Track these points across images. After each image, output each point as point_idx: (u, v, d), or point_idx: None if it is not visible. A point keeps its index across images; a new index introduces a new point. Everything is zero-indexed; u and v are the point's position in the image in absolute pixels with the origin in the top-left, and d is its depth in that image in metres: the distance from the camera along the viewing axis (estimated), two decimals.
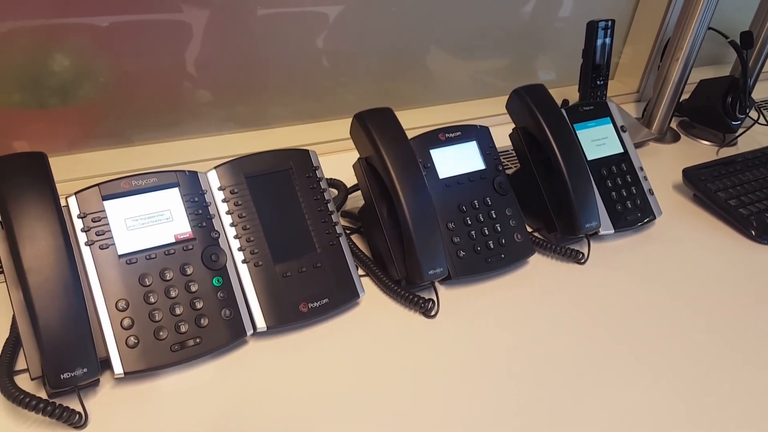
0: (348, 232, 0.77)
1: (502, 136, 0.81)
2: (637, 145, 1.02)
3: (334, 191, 0.83)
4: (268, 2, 0.88)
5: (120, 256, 0.57)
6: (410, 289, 0.68)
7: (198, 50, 0.87)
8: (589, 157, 0.83)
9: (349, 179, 0.81)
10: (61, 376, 0.50)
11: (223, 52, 0.89)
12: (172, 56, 0.86)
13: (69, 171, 0.80)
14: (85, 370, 0.51)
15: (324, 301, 0.64)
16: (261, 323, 0.61)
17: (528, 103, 0.77)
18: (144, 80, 0.86)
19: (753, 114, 1.15)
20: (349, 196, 0.82)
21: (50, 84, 0.80)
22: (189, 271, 0.59)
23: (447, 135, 0.75)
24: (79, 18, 0.77)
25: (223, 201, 0.64)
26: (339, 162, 0.80)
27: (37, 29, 0.76)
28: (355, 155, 0.71)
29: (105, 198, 0.58)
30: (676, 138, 1.15)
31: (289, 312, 0.62)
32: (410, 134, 0.70)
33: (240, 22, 0.88)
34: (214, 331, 0.58)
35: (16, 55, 0.76)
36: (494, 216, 0.74)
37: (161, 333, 0.56)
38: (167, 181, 0.61)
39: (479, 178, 0.75)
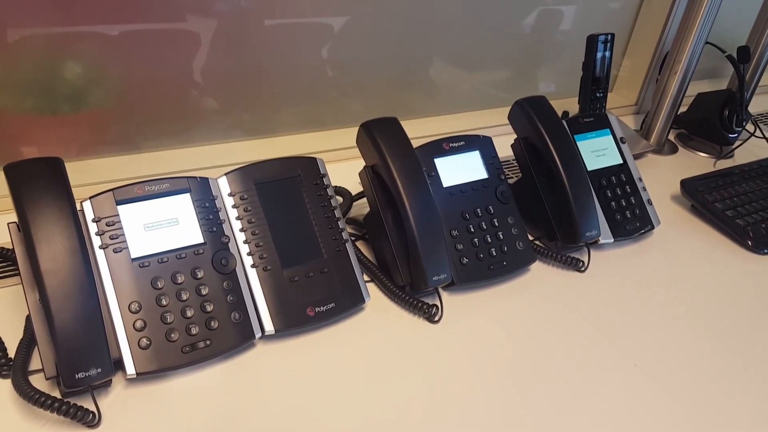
0: (353, 238, 0.78)
1: (504, 146, 0.83)
2: (636, 157, 1.04)
3: (339, 198, 0.84)
4: (275, 13, 0.90)
5: (133, 260, 0.58)
6: (414, 294, 0.70)
7: (206, 59, 0.89)
8: (589, 168, 0.85)
9: (353, 187, 0.83)
10: (76, 376, 0.51)
11: (230, 61, 0.91)
12: (180, 65, 0.88)
13: (79, 177, 0.80)
14: (99, 370, 0.52)
15: (330, 306, 0.65)
16: (269, 326, 0.62)
17: (530, 114, 0.79)
18: (153, 88, 0.87)
19: (749, 127, 1.17)
20: (354, 203, 0.84)
21: (62, 91, 0.82)
22: (200, 274, 0.60)
23: (451, 144, 0.77)
24: (90, 27, 0.79)
25: (233, 207, 0.65)
26: (343, 170, 0.82)
27: (50, 37, 0.78)
28: (357, 164, 0.73)
29: (119, 203, 0.59)
30: (674, 150, 1.16)
31: (297, 316, 0.64)
32: (415, 143, 0.72)
33: (247, 32, 0.90)
34: (224, 333, 0.60)
35: (28, 62, 0.78)
36: (496, 224, 0.76)
37: (173, 335, 0.57)
38: (179, 187, 0.63)
39: (482, 186, 0.77)
